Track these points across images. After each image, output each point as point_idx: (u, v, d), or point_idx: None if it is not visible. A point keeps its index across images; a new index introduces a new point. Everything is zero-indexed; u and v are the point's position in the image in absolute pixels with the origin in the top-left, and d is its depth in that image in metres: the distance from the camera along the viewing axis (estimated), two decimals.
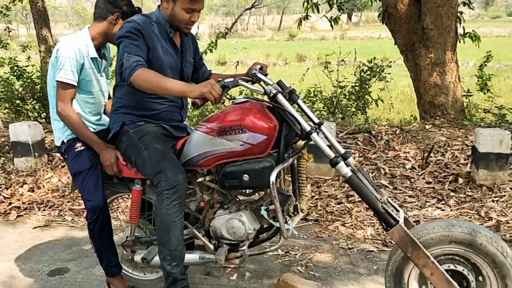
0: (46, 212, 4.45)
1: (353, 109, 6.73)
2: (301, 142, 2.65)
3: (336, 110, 6.60)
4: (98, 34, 2.84)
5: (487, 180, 4.24)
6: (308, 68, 7.16)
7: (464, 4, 7.28)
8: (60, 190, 4.79)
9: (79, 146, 2.82)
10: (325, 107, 6.71)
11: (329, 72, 6.65)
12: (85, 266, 3.47)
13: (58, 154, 5.49)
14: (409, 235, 2.29)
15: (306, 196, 2.80)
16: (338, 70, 6.68)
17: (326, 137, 2.56)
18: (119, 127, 2.70)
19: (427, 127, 5.53)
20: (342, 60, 6.70)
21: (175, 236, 2.53)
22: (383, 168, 4.71)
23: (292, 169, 2.74)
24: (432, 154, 4.79)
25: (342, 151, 2.51)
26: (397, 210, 2.42)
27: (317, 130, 2.48)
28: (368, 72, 6.55)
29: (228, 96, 2.45)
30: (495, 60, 18.04)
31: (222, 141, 2.51)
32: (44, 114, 7.98)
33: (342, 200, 4.24)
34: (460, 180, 4.38)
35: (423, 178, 4.53)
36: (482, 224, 3.76)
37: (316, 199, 4.32)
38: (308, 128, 2.41)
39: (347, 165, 2.40)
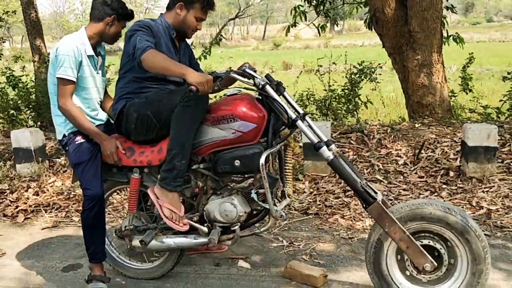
0: (53, 214, 4.56)
1: (343, 112, 6.96)
2: (288, 131, 2.92)
3: (329, 112, 6.81)
4: (94, 34, 3.07)
5: (476, 172, 4.46)
6: (301, 72, 7.38)
7: (447, 8, 7.58)
8: (65, 192, 4.90)
9: (79, 139, 3.02)
10: (318, 109, 6.91)
11: (321, 75, 6.87)
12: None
13: (59, 160, 5.62)
14: (386, 212, 2.52)
15: (291, 182, 3.03)
16: (329, 73, 6.91)
17: (310, 126, 2.79)
18: (123, 106, 2.91)
19: (416, 126, 5.76)
20: (334, 63, 6.92)
21: (189, 136, 2.72)
22: (377, 165, 4.90)
23: (279, 157, 2.99)
24: (423, 151, 5.00)
25: (325, 139, 2.74)
26: (375, 192, 2.64)
27: (302, 119, 2.74)
28: (358, 75, 6.77)
29: (220, 85, 2.76)
30: (476, 65, 18.56)
31: (215, 130, 2.74)
32: (39, 123, 8.08)
33: (340, 195, 4.42)
34: (451, 174, 4.60)
35: (416, 173, 4.74)
36: (474, 213, 3.98)
37: (315, 194, 4.50)
38: (293, 116, 2.67)
39: (331, 150, 2.65)
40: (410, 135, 5.44)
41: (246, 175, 2.78)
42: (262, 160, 2.62)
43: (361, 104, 6.94)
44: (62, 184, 5.11)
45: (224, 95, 2.88)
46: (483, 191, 4.26)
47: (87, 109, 3.08)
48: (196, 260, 3.52)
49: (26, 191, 4.99)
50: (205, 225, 2.94)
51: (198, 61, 7.55)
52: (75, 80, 2.95)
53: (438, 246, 2.57)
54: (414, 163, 4.88)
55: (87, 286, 3.09)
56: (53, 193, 4.93)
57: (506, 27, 48.43)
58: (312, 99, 7.07)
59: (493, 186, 4.31)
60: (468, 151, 4.46)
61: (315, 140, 2.65)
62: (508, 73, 6.42)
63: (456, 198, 4.22)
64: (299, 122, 2.67)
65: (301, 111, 2.83)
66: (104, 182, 3.09)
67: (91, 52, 3.03)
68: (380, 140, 5.38)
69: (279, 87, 2.78)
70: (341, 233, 3.82)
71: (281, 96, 2.77)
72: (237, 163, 2.71)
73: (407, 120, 6.52)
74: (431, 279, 2.62)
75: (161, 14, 3.02)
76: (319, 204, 4.32)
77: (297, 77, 7.16)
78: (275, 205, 2.79)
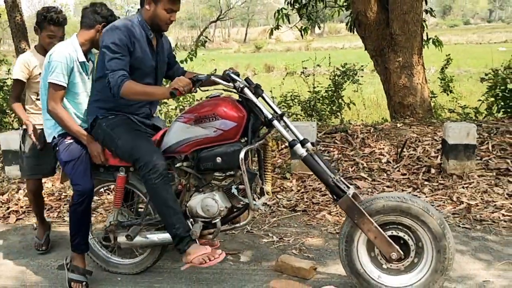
0: (45, 214, 4.59)
1: (327, 113, 7.13)
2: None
3: (313, 113, 6.97)
4: (86, 40, 3.23)
5: (456, 169, 4.65)
6: (286, 74, 7.53)
7: (427, 12, 7.81)
8: (56, 193, 4.96)
9: (68, 139, 3.16)
10: (303, 110, 7.07)
11: (306, 77, 7.03)
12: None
13: None
14: (355, 204, 2.69)
15: (270, 180, 3.19)
16: (314, 75, 7.07)
17: (288, 126, 2.99)
18: (92, 120, 3.07)
19: (398, 125, 5.94)
20: (318, 65, 7.09)
21: (171, 206, 2.91)
22: (361, 163, 5.07)
23: (258, 156, 3.15)
24: (405, 149, 5.18)
25: (301, 137, 2.92)
26: (348, 187, 2.82)
27: (278, 118, 2.93)
28: (342, 76, 6.95)
29: (200, 89, 2.89)
30: (455, 66, 18.95)
31: (198, 129, 2.90)
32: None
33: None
34: (433, 171, 4.78)
35: (398, 171, 4.91)
36: (454, 207, 4.16)
37: (302, 192, 4.63)
38: (270, 116, 2.85)
39: (305, 148, 2.83)
40: (393, 134, 5.62)
41: (227, 173, 2.94)
42: (241, 155, 2.78)
43: (345, 105, 7.11)
44: (52, 186, 5.16)
45: (207, 97, 3.06)
46: (463, 187, 4.45)
47: (77, 113, 3.23)
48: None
49: (17, 192, 5.03)
50: (188, 221, 3.07)
51: (184, 63, 7.73)
52: (65, 85, 3.10)
53: (401, 234, 2.74)
54: (397, 161, 5.05)
55: (65, 274, 3.23)
56: (44, 194, 4.96)
57: (483, 30, 49.42)
58: (296, 100, 7.22)
59: (473, 182, 4.50)
60: (449, 149, 4.65)
61: (290, 138, 2.84)
62: (486, 75, 6.65)
63: (437, 194, 4.40)
64: (275, 122, 2.84)
65: (278, 111, 3.02)
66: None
67: (83, 59, 3.18)
68: (364, 140, 5.54)
69: (257, 89, 2.96)
70: (329, 228, 3.97)
71: (259, 98, 2.95)
72: (218, 160, 2.87)
73: (389, 120, 6.71)
74: (407, 265, 2.77)
75: (138, 9, 3.10)
76: (307, 201, 4.46)
77: (283, 78, 7.31)
78: (254, 200, 2.94)
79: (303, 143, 2.86)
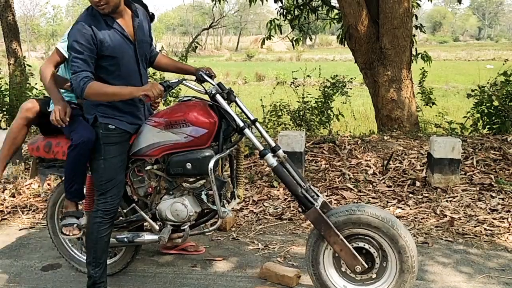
0: (30, 215, 4.60)
1: (316, 123, 7.20)
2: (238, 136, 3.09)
3: (302, 123, 7.02)
4: None
5: (441, 183, 4.72)
6: (277, 83, 7.59)
7: (417, 27, 7.94)
8: (42, 195, 4.94)
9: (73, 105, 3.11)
10: (292, 120, 7.12)
11: (296, 87, 7.10)
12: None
13: None
14: (322, 216, 2.73)
15: (243, 184, 3.22)
16: (303, 85, 7.14)
17: (260, 132, 3.00)
18: (93, 120, 2.93)
19: (385, 138, 6.01)
20: (308, 76, 7.15)
21: (101, 248, 2.97)
22: (348, 174, 5.12)
23: (230, 160, 3.17)
24: (391, 162, 5.25)
25: (273, 144, 2.94)
26: (317, 196, 2.86)
27: (250, 126, 2.94)
28: (331, 88, 7.02)
29: (171, 94, 2.85)
30: (443, 82, 19.24)
31: (168, 134, 2.89)
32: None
33: None
34: (417, 184, 4.85)
35: (384, 183, 4.97)
36: (438, 220, 4.22)
37: (289, 201, 4.67)
38: (241, 124, 2.85)
39: (277, 156, 2.86)
40: (379, 146, 5.69)
41: (197, 177, 2.96)
42: (211, 165, 2.79)
43: (333, 116, 7.18)
44: (38, 187, 5.14)
45: (178, 100, 3.04)
46: (446, 201, 4.52)
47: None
48: (174, 261, 3.64)
49: (3, 192, 5.01)
50: (157, 223, 3.11)
51: None
52: (66, 56, 3.02)
53: (361, 244, 2.78)
54: (383, 173, 5.12)
55: (60, 222, 3.22)
56: (30, 195, 4.97)
57: (471, 47, 50.12)
58: (285, 110, 7.28)
59: (456, 196, 4.57)
60: (434, 163, 4.72)
61: (261, 147, 2.84)
62: (472, 91, 6.76)
63: (421, 207, 4.46)
64: (246, 130, 2.85)
65: (252, 117, 3.03)
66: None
67: None
68: (351, 151, 5.60)
69: (229, 95, 2.94)
70: None
71: (232, 103, 2.96)
72: (188, 165, 2.87)
73: (376, 133, 6.78)
74: (377, 271, 2.82)
75: None
76: (293, 210, 4.49)
77: (274, 88, 7.37)
78: (224, 206, 2.96)
79: (274, 150, 2.88)
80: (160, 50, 7.43)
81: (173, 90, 2.92)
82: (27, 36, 51.36)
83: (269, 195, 4.79)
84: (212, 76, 3.08)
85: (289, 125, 7.22)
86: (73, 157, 2.99)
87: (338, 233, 2.71)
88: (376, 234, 2.73)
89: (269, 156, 2.80)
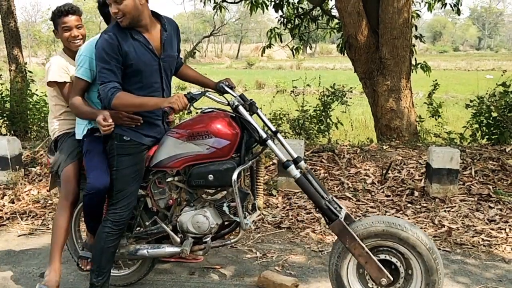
0: (29, 221, 4.61)
1: (315, 132, 7.22)
2: (259, 148, 3.06)
3: (302, 132, 7.05)
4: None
5: (439, 193, 4.73)
6: (277, 92, 7.62)
7: (416, 37, 7.99)
8: (41, 201, 4.95)
9: (97, 133, 3.00)
10: (291, 128, 7.15)
11: (296, 96, 7.13)
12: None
13: (35, 169, 5.66)
14: (347, 229, 2.69)
15: (262, 195, 3.18)
16: (303, 94, 7.18)
17: (281, 144, 2.99)
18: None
19: (384, 147, 6.03)
20: (308, 85, 7.19)
21: (106, 258, 2.98)
22: (347, 183, 5.14)
23: (251, 171, 3.15)
24: (390, 171, 5.27)
25: (295, 155, 2.93)
26: (340, 208, 2.83)
27: (273, 137, 2.93)
28: (331, 97, 7.06)
29: (195, 106, 2.82)
30: (442, 92, 19.24)
31: (190, 145, 2.87)
32: (12, 132, 8.06)
33: (311, 210, 4.62)
34: (416, 194, 4.86)
35: (383, 192, 4.99)
36: (436, 230, 4.23)
37: (287, 209, 4.68)
38: (264, 135, 2.83)
39: (299, 168, 2.84)
40: (378, 156, 5.70)
41: (218, 189, 2.95)
42: (234, 176, 2.77)
43: (332, 124, 7.21)
44: (38, 193, 5.16)
45: (201, 112, 3.01)
46: (445, 211, 4.53)
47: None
48: (172, 269, 3.65)
49: (2, 198, 5.03)
50: (178, 235, 3.08)
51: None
52: (89, 81, 2.99)
53: (394, 260, 2.74)
54: (382, 182, 5.13)
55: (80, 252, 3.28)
56: (29, 201, 4.98)
57: (471, 57, 50.29)
58: (285, 118, 7.31)
59: (454, 206, 4.58)
60: (432, 173, 4.74)
61: (284, 159, 2.81)
62: (471, 101, 6.79)
63: (419, 217, 4.47)
64: (269, 142, 2.83)
65: (273, 129, 3.02)
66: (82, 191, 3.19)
67: None
68: (350, 160, 5.62)
69: (251, 107, 2.93)
70: (312, 246, 4.01)
71: (254, 115, 2.95)
72: (210, 177, 2.85)
73: (375, 142, 6.80)
74: None
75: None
76: (292, 219, 4.51)
77: (273, 96, 7.41)
78: (245, 218, 2.94)
79: (296, 161, 2.87)
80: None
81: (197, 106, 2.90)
82: (28, 42, 51.53)
83: (268, 204, 4.80)
84: (232, 87, 3.08)
85: (289, 133, 7.24)
86: (88, 204, 3.03)
87: (363, 245, 2.67)
88: (416, 260, 2.69)
89: (292, 167, 2.78)
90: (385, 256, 2.75)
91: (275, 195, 4.93)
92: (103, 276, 2.98)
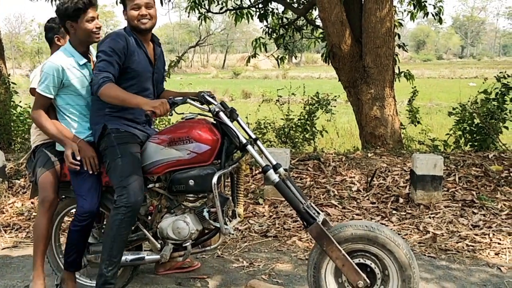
0: (13, 234, 4.56)
1: (301, 140, 7.26)
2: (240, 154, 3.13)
3: (287, 140, 7.08)
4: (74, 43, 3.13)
5: (424, 199, 4.78)
6: (262, 101, 7.64)
7: (399, 46, 8.09)
8: (25, 213, 4.90)
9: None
10: (277, 137, 7.17)
11: (281, 105, 7.17)
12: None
13: (18, 181, 5.61)
14: (324, 232, 2.74)
15: (242, 203, 3.23)
16: (288, 103, 7.22)
17: (261, 151, 3.04)
18: (101, 128, 3.00)
19: (369, 155, 6.08)
20: (293, 94, 7.23)
21: (118, 246, 2.94)
22: (332, 191, 5.16)
23: (231, 178, 3.19)
24: (375, 179, 5.31)
25: (274, 162, 2.96)
26: (318, 213, 2.88)
27: (253, 144, 2.98)
28: (316, 105, 7.10)
29: (175, 111, 2.88)
30: (427, 100, 19.47)
31: (171, 151, 2.93)
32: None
33: (297, 219, 4.62)
34: (401, 200, 4.90)
35: (368, 199, 5.02)
36: (421, 236, 4.27)
37: (274, 218, 4.69)
38: (244, 140, 2.90)
39: (278, 173, 2.88)
40: (363, 163, 5.75)
41: (199, 194, 2.99)
42: (214, 180, 2.83)
43: (317, 132, 7.25)
44: (22, 205, 5.11)
45: (182, 119, 3.08)
46: (429, 217, 4.57)
47: (83, 112, 3.14)
48: (159, 279, 3.63)
49: None
50: (159, 241, 3.10)
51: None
52: (52, 97, 3.05)
53: (368, 262, 2.78)
54: (367, 189, 5.17)
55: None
56: (13, 214, 4.93)
57: (454, 65, 50.95)
58: (270, 127, 7.34)
59: (439, 212, 4.63)
60: (416, 180, 4.78)
61: (263, 163, 2.87)
62: (453, 109, 6.88)
63: (405, 223, 4.51)
64: (249, 147, 2.89)
65: (253, 136, 3.08)
66: (62, 199, 3.26)
67: (84, 60, 3.11)
68: (336, 168, 5.66)
69: (232, 114, 3.01)
70: (299, 254, 4.02)
71: (234, 122, 3.01)
72: (191, 182, 2.90)
73: (360, 150, 6.85)
74: None
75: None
76: (278, 227, 4.52)
77: (259, 105, 7.44)
78: (225, 224, 2.98)
79: (275, 167, 2.91)
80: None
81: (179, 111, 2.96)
82: (12, 54, 51.09)
83: (254, 212, 4.81)
84: (214, 98, 3.13)
85: (274, 142, 7.27)
86: (76, 230, 3.05)
87: (340, 248, 2.71)
88: (387, 257, 2.74)
89: (271, 172, 2.83)
90: (359, 260, 2.79)
91: (261, 204, 4.94)
92: (114, 266, 2.93)
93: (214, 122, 2.98)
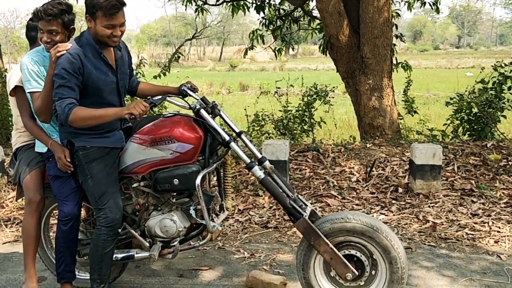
0: (14, 228, 4.57)
1: (299, 132, 7.27)
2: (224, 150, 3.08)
3: (286, 132, 7.09)
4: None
5: (423, 189, 4.80)
6: (260, 93, 7.65)
7: (397, 37, 8.08)
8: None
9: None
10: (276, 129, 7.18)
11: (279, 96, 7.17)
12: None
13: None
14: (311, 226, 2.74)
15: (231, 196, 3.20)
16: (287, 95, 7.22)
17: (246, 144, 3.01)
18: (67, 144, 2.90)
19: (368, 145, 6.09)
20: (291, 85, 7.23)
21: (106, 264, 2.96)
22: (332, 181, 5.17)
23: (218, 173, 3.16)
24: (374, 169, 5.32)
25: (259, 156, 2.95)
26: (306, 205, 2.87)
27: (236, 139, 2.95)
28: (314, 96, 7.11)
29: (155, 111, 2.83)
30: (424, 90, 19.49)
31: (154, 151, 2.89)
32: None
33: None
34: (400, 190, 4.92)
35: (367, 189, 5.04)
36: (420, 226, 4.29)
37: (274, 209, 4.71)
38: (227, 138, 2.86)
39: (264, 167, 2.87)
40: (362, 154, 5.76)
41: (185, 193, 2.96)
42: (198, 181, 2.79)
43: (316, 123, 7.26)
44: (22, 200, 5.09)
45: (162, 115, 3.01)
46: (429, 206, 4.60)
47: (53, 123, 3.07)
48: (160, 271, 3.65)
49: None
50: (147, 240, 3.09)
51: (158, 78, 7.82)
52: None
53: (353, 252, 2.79)
54: (366, 180, 5.18)
55: None
56: (13, 208, 4.93)
57: (452, 55, 50.87)
58: (268, 119, 7.34)
59: (438, 202, 4.65)
60: (415, 169, 4.80)
61: (247, 160, 2.84)
62: (451, 99, 6.89)
63: (404, 213, 4.53)
64: (232, 144, 2.86)
65: (237, 130, 3.05)
66: (46, 198, 3.20)
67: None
68: (335, 159, 5.67)
69: (214, 109, 2.96)
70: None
71: (217, 117, 2.97)
72: (175, 181, 2.87)
73: (359, 140, 6.86)
74: (365, 279, 2.83)
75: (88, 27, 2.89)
76: (278, 218, 4.53)
77: (257, 98, 7.44)
78: (212, 220, 2.96)
79: (261, 161, 2.90)
80: (139, 63, 7.27)
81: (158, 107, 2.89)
82: (8, 49, 50.84)
83: (254, 204, 4.82)
84: (195, 90, 3.10)
85: (273, 134, 7.27)
86: (61, 235, 3.03)
87: (328, 242, 2.72)
88: (369, 243, 2.75)
89: (256, 168, 2.80)
90: (345, 252, 2.79)
91: (261, 196, 4.95)
92: (105, 282, 2.97)
93: (196, 117, 2.91)
